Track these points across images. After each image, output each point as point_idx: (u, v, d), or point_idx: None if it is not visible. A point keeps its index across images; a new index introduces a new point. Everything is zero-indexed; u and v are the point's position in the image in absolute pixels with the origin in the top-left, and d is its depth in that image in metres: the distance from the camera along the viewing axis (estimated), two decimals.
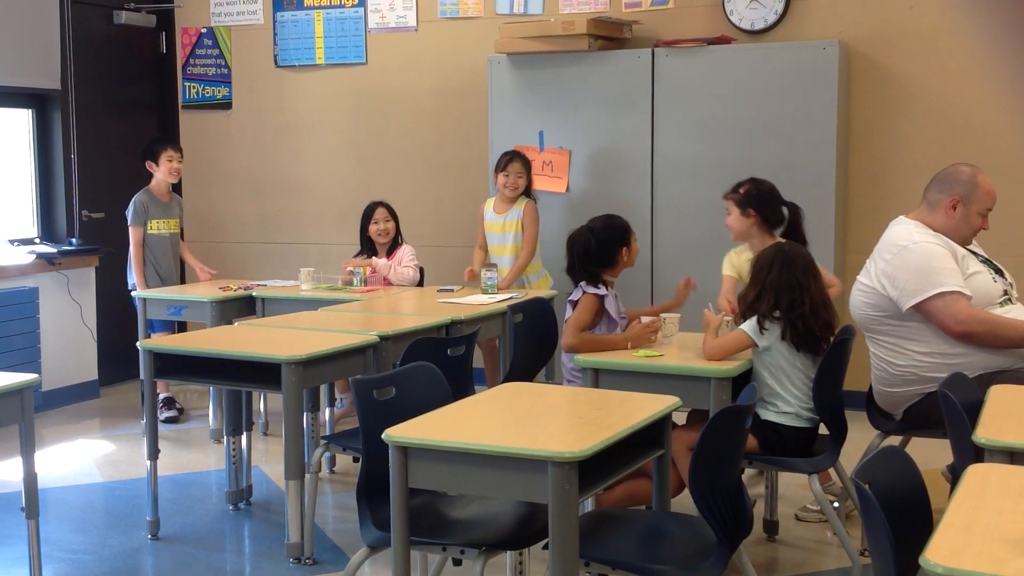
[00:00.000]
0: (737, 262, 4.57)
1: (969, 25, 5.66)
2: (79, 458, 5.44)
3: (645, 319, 4.02)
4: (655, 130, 5.98)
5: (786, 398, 3.68)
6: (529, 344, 4.39)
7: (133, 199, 6.01)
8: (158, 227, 6.04)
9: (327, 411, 5.25)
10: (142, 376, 4.22)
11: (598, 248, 4.11)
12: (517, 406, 3.16)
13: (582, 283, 4.10)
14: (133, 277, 6.00)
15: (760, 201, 4.39)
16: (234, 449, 4.58)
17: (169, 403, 6.11)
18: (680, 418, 3.89)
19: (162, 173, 6.04)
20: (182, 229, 6.29)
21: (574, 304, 4.07)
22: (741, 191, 4.44)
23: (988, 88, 5.64)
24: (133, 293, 5.84)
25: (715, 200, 5.85)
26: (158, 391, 6.06)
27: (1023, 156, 5.58)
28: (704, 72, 5.86)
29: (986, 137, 5.61)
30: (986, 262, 3.98)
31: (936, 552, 1.83)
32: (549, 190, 6.14)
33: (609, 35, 6.11)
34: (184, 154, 6.23)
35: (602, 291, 4.06)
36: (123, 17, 7.18)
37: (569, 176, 6.18)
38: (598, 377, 3.74)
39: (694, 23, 6.12)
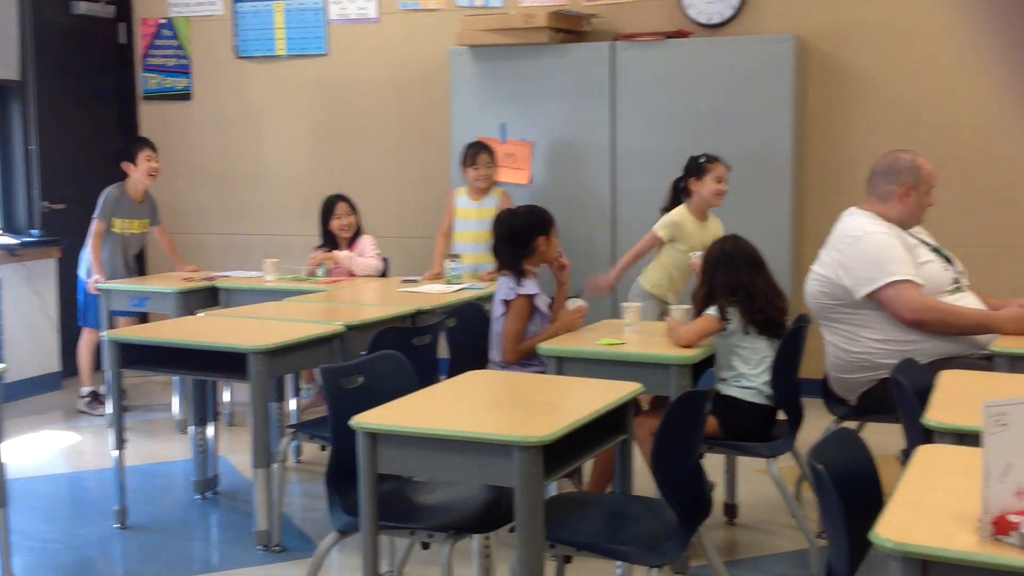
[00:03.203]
0: (687, 229, 4.88)
1: (920, 19, 5.79)
2: (45, 449, 5.44)
3: (570, 305, 4.15)
4: (615, 122, 6.06)
5: (748, 375, 3.79)
6: (465, 348, 4.34)
7: (105, 192, 5.98)
8: (121, 226, 6.03)
9: (293, 401, 5.28)
10: (106, 367, 4.24)
11: (519, 232, 4.18)
12: (483, 392, 3.23)
13: (511, 283, 4.16)
14: (84, 268, 5.99)
15: None
16: (200, 439, 4.61)
17: (96, 397, 6.09)
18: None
19: (140, 173, 6.01)
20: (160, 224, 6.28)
21: (506, 304, 4.14)
22: None
23: (939, 81, 5.77)
24: (97, 285, 5.81)
25: None
26: (87, 384, 6.09)
27: (973, 148, 5.72)
28: (663, 65, 5.95)
29: (937, 130, 5.74)
30: (936, 251, 4.10)
31: (886, 528, 1.92)
32: (511, 182, 6.20)
33: (569, 28, 6.18)
34: None
35: (531, 290, 4.12)
36: (81, 7, 7.15)
37: (531, 168, 6.25)
38: (562, 365, 3.82)
39: (652, 16, 6.20)
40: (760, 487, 4.46)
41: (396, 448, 2.74)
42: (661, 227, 4.90)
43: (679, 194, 4.97)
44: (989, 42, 5.67)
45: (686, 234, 4.85)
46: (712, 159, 4.88)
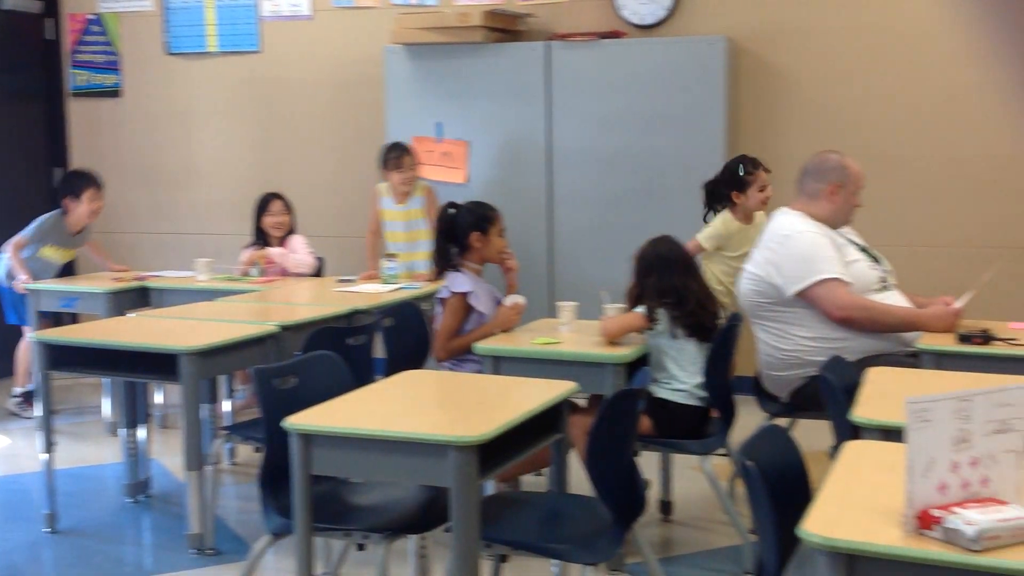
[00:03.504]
0: (733, 234, 4.92)
1: (849, 22, 5.89)
2: None
3: (508, 301, 4.13)
4: (551, 122, 6.08)
5: (679, 377, 3.83)
6: (402, 348, 4.32)
7: (42, 219, 5.88)
8: (49, 253, 5.92)
9: (228, 403, 5.23)
10: (34, 368, 4.16)
11: (454, 228, 4.17)
12: (418, 392, 3.22)
13: (447, 279, 4.16)
14: (3, 271, 5.86)
15: None
16: (131, 442, 4.54)
17: (28, 399, 5.97)
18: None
19: (82, 212, 5.90)
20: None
21: (443, 302, 4.14)
22: None
23: (867, 83, 5.87)
24: (25, 285, 5.68)
25: (611, 191, 6.02)
26: (20, 385, 5.96)
27: (899, 149, 5.83)
28: (597, 65, 5.99)
29: (865, 131, 5.84)
30: (864, 250, 4.17)
31: (814, 523, 1.96)
32: (448, 181, 6.19)
33: (504, 27, 6.19)
34: (73, 142, 6.10)
35: (465, 287, 4.10)
36: (8, 2, 7.00)
37: (468, 167, 6.25)
38: (499, 364, 3.83)
39: (587, 17, 6.24)
40: (695, 484, 4.50)
41: (330, 449, 2.73)
42: (706, 239, 4.92)
43: (713, 198, 4.99)
44: (916, 43, 5.79)
45: (732, 243, 4.89)
46: (750, 169, 4.89)
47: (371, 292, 5.02)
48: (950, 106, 5.73)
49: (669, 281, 3.81)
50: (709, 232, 4.93)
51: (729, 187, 4.92)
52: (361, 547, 3.06)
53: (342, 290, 5.15)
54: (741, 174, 4.87)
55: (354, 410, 2.91)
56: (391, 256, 5.49)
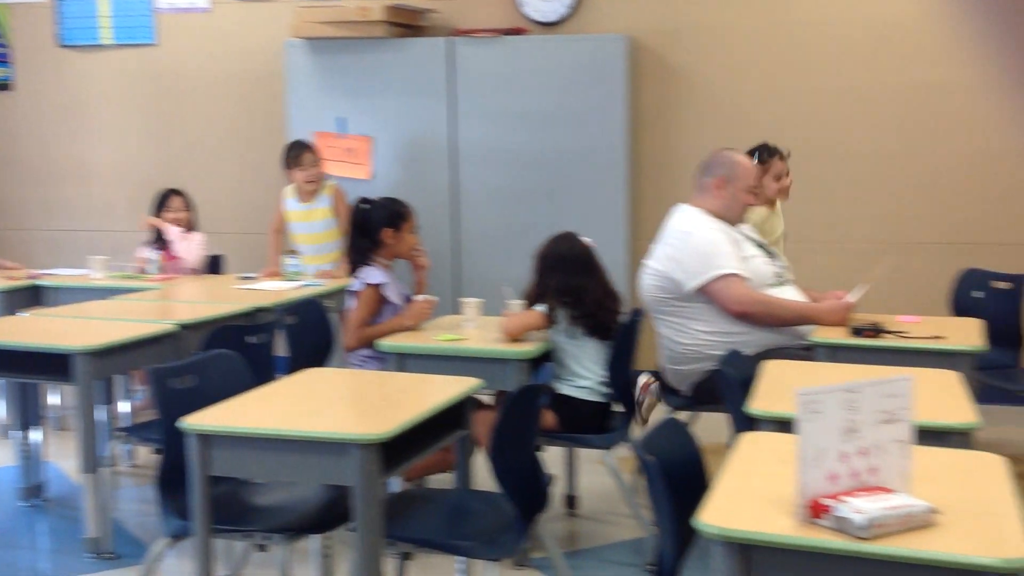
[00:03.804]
0: (767, 223, 4.78)
1: (747, 20, 6.00)
2: None
3: (420, 299, 4.14)
4: (455, 118, 6.08)
5: (582, 374, 3.86)
6: (305, 346, 4.28)
7: None
8: None
9: (126, 403, 5.11)
10: None
11: (365, 223, 4.15)
12: (320, 391, 3.19)
13: (360, 273, 4.14)
14: None
15: None
16: (25, 444, 4.41)
17: None
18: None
19: None
20: None
21: (356, 295, 4.12)
22: None
23: (766, 81, 5.99)
24: None
25: (515, 188, 6.04)
26: None
27: (793, 147, 5.96)
28: (500, 62, 6.00)
29: (762, 129, 5.93)
30: (760, 246, 4.27)
31: (709, 514, 2.00)
32: (351, 177, 6.15)
33: (406, 22, 6.17)
34: None
35: (379, 279, 4.09)
36: None
37: (372, 163, 6.21)
38: (403, 361, 3.82)
39: (489, 13, 6.24)
40: (600, 478, 4.55)
41: (229, 450, 2.69)
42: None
43: None
44: (811, 41, 5.92)
45: (767, 228, 4.75)
46: (765, 157, 4.76)
47: (273, 289, 4.96)
48: (843, 104, 5.88)
49: (567, 280, 3.84)
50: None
51: None
52: (262, 548, 3.02)
53: (243, 287, 5.08)
54: (756, 161, 4.69)
55: (254, 409, 2.87)
56: (293, 252, 5.43)
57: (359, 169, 6.21)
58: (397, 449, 2.74)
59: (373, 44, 6.09)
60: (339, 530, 2.99)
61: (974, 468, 2.32)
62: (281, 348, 4.12)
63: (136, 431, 4.05)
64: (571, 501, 4.33)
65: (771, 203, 4.85)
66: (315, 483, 3.05)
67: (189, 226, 5.79)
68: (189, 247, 5.68)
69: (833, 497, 1.96)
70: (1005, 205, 5.67)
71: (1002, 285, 4.91)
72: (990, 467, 2.31)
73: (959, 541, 1.87)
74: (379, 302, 4.10)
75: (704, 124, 6.05)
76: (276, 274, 5.45)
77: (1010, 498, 2.10)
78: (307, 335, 4.29)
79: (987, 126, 5.70)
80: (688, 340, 4.11)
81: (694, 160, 4.39)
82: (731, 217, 4.19)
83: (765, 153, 4.81)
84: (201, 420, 2.71)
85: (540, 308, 3.84)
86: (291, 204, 5.78)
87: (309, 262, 5.55)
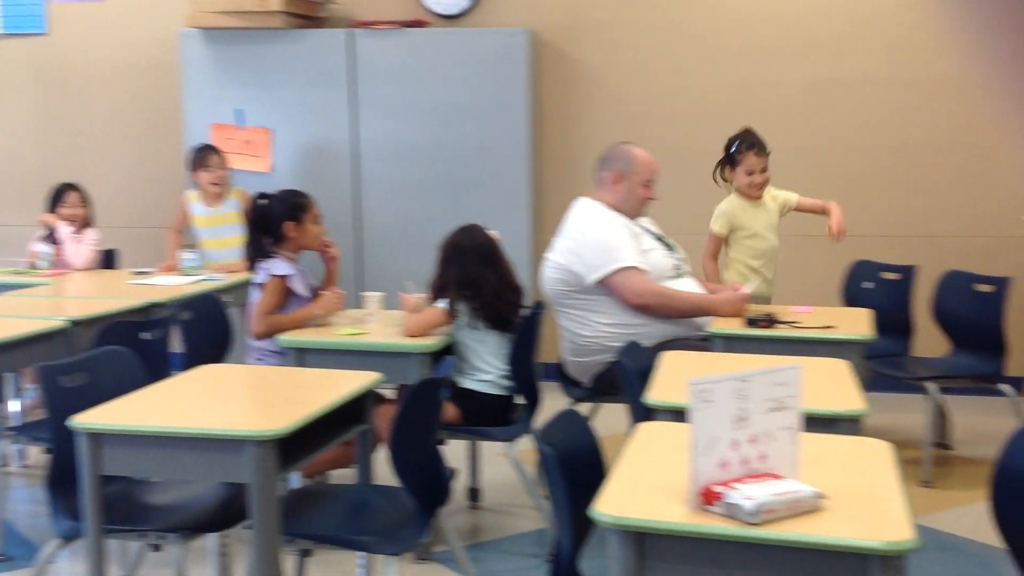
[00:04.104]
0: (740, 216, 4.64)
1: (648, 16, 6.06)
2: None
3: (326, 292, 4.09)
4: (356, 110, 6.03)
5: (484, 368, 3.87)
6: (201, 342, 4.20)
7: None
8: None
9: (17, 402, 4.96)
10: None
11: (265, 218, 4.09)
12: (216, 387, 3.14)
13: (264, 264, 4.09)
14: None
15: None
16: None
17: None
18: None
19: None
20: None
21: (261, 287, 4.06)
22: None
23: (665, 76, 6.07)
24: None
25: (417, 181, 6.02)
26: None
27: (692, 141, 6.05)
28: (401, 54, 5.97)
29: (662, 123, 6.04)
30: (659, 239, 4.32)
31: (605, 504, 2.02)
32: (250, 170, 6.06)
33: (305, 13, 6.10)
34: None
35: (285, 271, 4.04)
36: None
37: (271, 156, 6.13)
38: (304, 356, 3.77)
39: (390, 5, 6.21)
40: (503, 470, 4.55)
41: (121, 448, 2.64)
42: (714, 222, 4.65)
43: (719, 170, 4.73)
44: (709, 38, 6.02)
45: (742, 220, 4.62)
46: (742, 148, 4.60)
47: (169, 284, 4.86)
48: (742, 100, 5.98)
49: (466, 270, 3.84)
50: (715, 215, 4.67)
51: (724, 161, 4.67)
52: (157, 548, 2.96)
53: (138, 283, 4.97)
54: (731, 152, 4.62)
55: (147, 407, 2.81)
56: (190, 247, 5.33)
57: (258, 162, 6.12)
58: (295, 445, 2.71)
59: (271, 35, 6.01)
60: (236, 528, 2.95)
61: (861, 454, 2.38)
62: (177, 344, 4.04)
63: (26, 430, 3.93)
64: (474, 494, 4.33)
65: (750, 196, 4.64)
66: (210, 481, 3.00)
67: (85, 222, 5.64)
68: (79, 250, 5.52)
69: (724, 484, 2.00)
70: (892, 199, 5.84)
71: (891, 276, 5.06)
72: (876, 453, 2.38)
73: (844, 525, 1.93)
74: (285, 293, 4.04)
75: (606, 119, 6.11)
76: (172, 269, 5.33)
77: (894, 483, 2.17)
78: (204, 331, 4.21)
79: (878, 122, 5.87)
80: (589, 332, 4.15)
81: (596, 154, 4.43)
82: (629, 211, 4.23)
83: (743, 145, 4.62)
84: (91, 418, 2.65)
85: (441, 304, 3.83)
86: (197, 209, 5.64)
87: (215, 266, 5.44)
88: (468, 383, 3.87)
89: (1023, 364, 5.57)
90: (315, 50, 6.02)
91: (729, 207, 4.65)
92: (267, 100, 6.09)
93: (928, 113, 5.81)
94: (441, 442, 3.73)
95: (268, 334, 3.95)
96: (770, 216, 4.67)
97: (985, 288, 4.71)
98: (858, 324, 3.92)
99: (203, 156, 5.59)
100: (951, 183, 5.84)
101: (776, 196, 4.74)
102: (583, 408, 4.06)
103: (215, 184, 5.57)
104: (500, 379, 3.88)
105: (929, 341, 5.06)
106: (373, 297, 4.13)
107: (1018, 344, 5.28)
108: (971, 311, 4.74)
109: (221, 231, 5.61)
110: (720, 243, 4.67)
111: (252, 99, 6.10)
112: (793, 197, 4.76)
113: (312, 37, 6.04)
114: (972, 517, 3.98)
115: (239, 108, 6.11)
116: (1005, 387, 4.52)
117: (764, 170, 4.60)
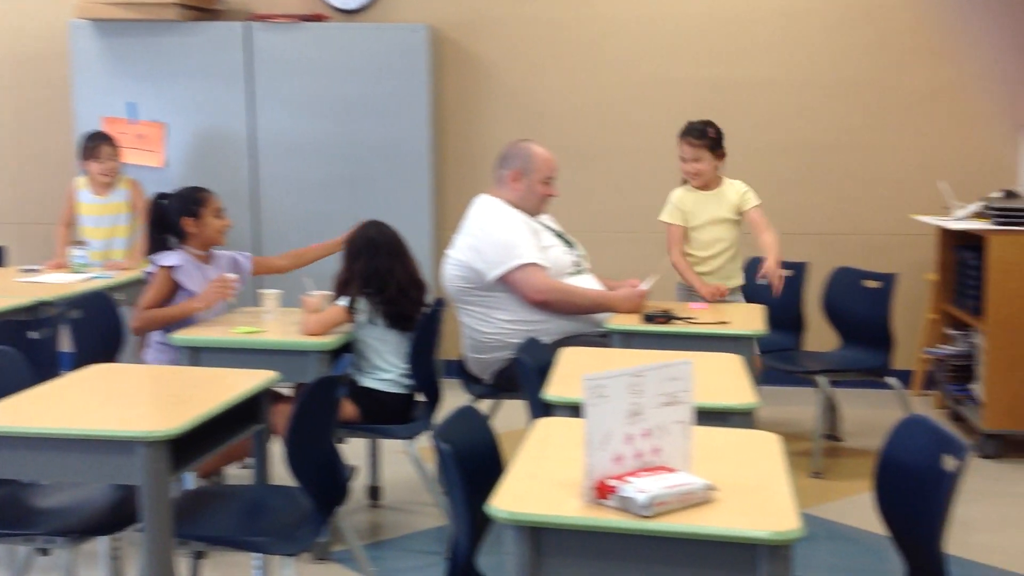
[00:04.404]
0: (688, 205, 4.55)
1: (546, 13, 6.10)
2: None
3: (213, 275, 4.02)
4: (254, 105, 5.94)
5: (384, 367, 3.85)
6: (91, 341, 4.10)
7: None
8: None
9: None
10: None
11: (163, 216, 4.02)
12: (106, 387, 3.06)
13: (155, 256, 4.00)
14: None
15: (722, 143, 4.55)
16: None
17: None
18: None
19: None
20: None
21: (150, 276, 3.98)
22: (711, 134, 4.48)
23: (564, 75, 6.11)
24: None
25: (317, 177, 5.96)
26: None
27: (591, 140, 6.12)
28: (300, 49, 5.90)
29: (562, 122, 6.09)
30: (559, 235, 4.36)
31: (502, 500, 2.03)
32: (143, 164, 5.92)
33: (200, 5, 5.98)
34: None
35: (172, 261, 3.95)
36: None
37: (165, 150, 6.00)
38: (197, 355, 3.70)
39: None
40: (404, 468, 4.54)
41: (8, 450, 2.56)
42: (664, 213, 4.58)
43: None
44: (607, 36, 6.08)
45: (687, 210, 4.54)
46: (679, 136, 4.53)
47: (57, 282, 4.73)
48: (640, 98, 6.06)
49: (376, 265, 3.81)
50: (667, 207, 4.60)
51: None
52: (45, 552, 2.88)
53: (25, 280, 4.82)
54: (678, 136, 4.55)
55: (34, 407, 2.73)
56: (81, 243, 5.18)
57: (151, 156, 5.99)
58: (188, 446, 2.66)
59: (165, 27, 5.88)
60: (128, 531, 2.88)
61: (751, 447, 2.44)
62: (67, 344, 3.93)
63: None
64: (374, 492, 4.31)
65: (706, 184, 4.54)
66: (100, 483, 2.93)
67: None
68: None
69: (619, 478, 2.02)
70: (785, 198, 5.98)
71: (785, 273, 5.16)
72: (766, 445, 2.43)
73: (733, 516, 1.97)
74: (171, 286, 3.94)
75: (507, 116, 6.12)
76: (62, 266, 5.18)
77: (782, 475, 2.22)
78: (94, 329, 4.11)
79: (770, 123, 5.99)
80: (490, 329, 4.16)
81: (497, 151, 4.44)
82: (529, 208, 4.25)
83: (683, 132, 4.56)
84: None
85: (341, 303, 3.80)
86: (84, 196, 5.49)
87: (99, 258, 5.31)
88: (368, 382, 3.84)
89: (909, 358, 5.77)
90: (211, 43, 5.91)
91: (675, 196, 4.60)
92: (161, 94, 5.96)
93: (820, 114, 5.96)
94: (340, 441, 3.71)
95: (145, 329, 3.87)
96: (721, 209, 4.51)
97: (873, 284, 4.86)
98: (752, 320, 4.00)
99: (95, 146, 5.44)
100: (842, 182, 6.00)
101: (740, 192, 4.56)
102: (484, 405, 4.10)
103: (105, 175, 5.44)
104: (401, 377, 3.86)
105: (820, 336, 5.20)
106: (270, 295, 4.08)
107: (904, 338, 5.46)
108: (860, 307, 4.89)
109: (108, 220, 5.47)
110: (675, 233, 4.56)
111: (145, 92, 5.97)
112: (750, 203, 4.54)
113: (208, 30, 5.93)
114: (861, 506, 4.09)
115: (131, 101, 5.97)
116: (892, 380, 4.67)
117: (696, 160, 4.49)
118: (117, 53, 5.94)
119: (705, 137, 4.50)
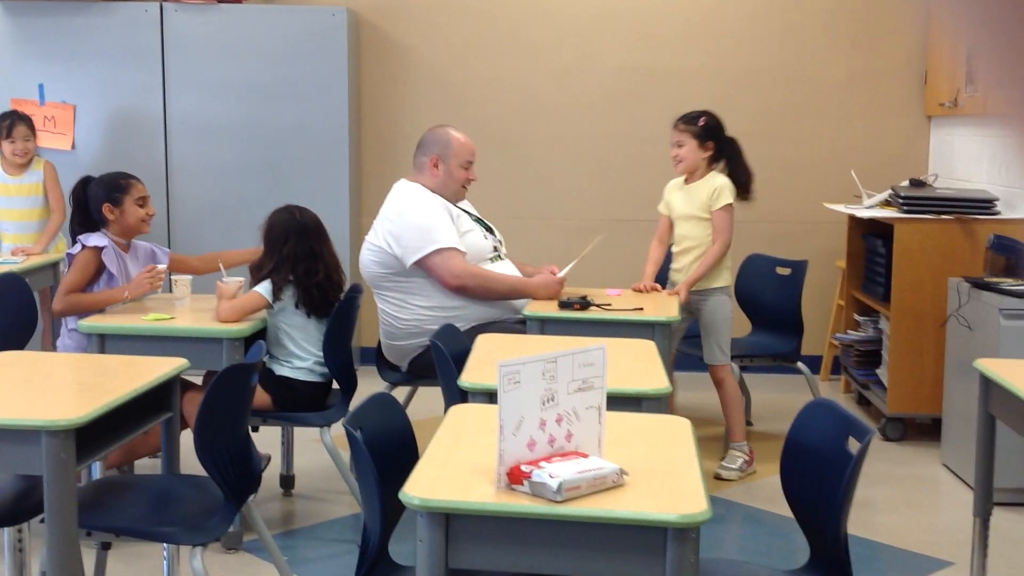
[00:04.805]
0: (670, 196, 4.50)
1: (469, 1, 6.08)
2: None
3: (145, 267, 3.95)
4: (167, 88, 5.82)
5: (300, 355, 3.80)
6: (2, 324, 3.97)
7: None
8: None
9: None
10: None
11: (83, 203, 3.95)
12: (10, 374, 2.98)
13: (81, 237, 3.91)
14: None
15: (718, 134, 4.41)
16: None
17: None
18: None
19: None
20: None
21: (72, 258, 3.89)
22: (700, 123, 4.38)
23: (485, 61, 6.10)
24: None
25: (232, 162, 5.86)
26: None
27: (512, 127, 6.12)
28: (216, 31, 5.80)
29: (482, 108, 6.08)
30: (478, 221, 4.35)
31: (414, 486, 2.02)
32: (52, 147, 5.77)
33: None
34: None
35: (101, 243, 3.87)
36: None
37: (74, 133, 5.85)
38: (104, 343, 3.62)
39: None
40: (318, 456, 4.50)
41: None
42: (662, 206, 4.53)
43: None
44: (526, 24, 6.08)
45: (673, 203, 4.49)
46: (672, 125, 4.44)
47: None
48: (559, 87, 6.08)
49: (305, 244, 3.76)
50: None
51: None
52: None
53: None
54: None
55: None
56: None
57: (60, 139, 5.84)
58: (95, 435, 2.60)
59: (77, 7, 5.73)
60: (32, 522, 2.81)
61: (663, 431, 2.46)
62: None
63: None
64: (287, 481, 4.27)
65: (692, 176, 4.45)
66: (3, 473, 2.85)
67: None
68: None
69: (532, 463, 2.03)
70: None
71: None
72: (677, 430, 2.46)
73: (643, 500, 1.99)
74: (96, 268, 3.86)
75: (426, 102, 6.09)
76: None
77: (693, 459, 2.25)
78: (3, 315, 3.98)
79: (688, 110, 6.04)
80: (407, 315, 4.14)
81: (415, 138, 4.41)
82: (448, 194, 4.23)
83: (681, 118, 4.47)
84: None
85: (260, 289, 3.74)
86: None
87: (11, 240, 5.17)
88: (283, 370, 3.80)
89: (818, 343, 5.89)
90: (124, 24, 5.77)
91: (667, 186, 4.56)
92: (71, 75, 5.81)
93: (734, 102, 6.02)
94: (254, 429, 3.66)
95: (68, 313, 3.77)
96: (691, 204, 4.40)
97: (784, 271, 4.95)
98: (666, 306, 4.04)
99: (10, 126, 5.29)
100: (755, 170, 6.06)
101: (712, 189, 4.39)
102: (400, 392, 4.08)
103: (16, 155, 5.30)
104: (315, 366, 3.82)
105: (733, 322, 5.26)
106: (182, 280, 4.00)
107: (814, 325, 5.57)
108: (771, 293, 4.98)
109: (21, 202, 5.33)
110: (660, 222, 4.55)
111: (55, 74, 5.81)
112: (719, 202, 4.36)
113: (121, 10, 5.79)
114: (770, 489, 4.17)
115: (40, 83, 5.81)
116: (801, 365, 4.76)
117: (679, 144, 4.40)
118: (26, 33, 5.78)
119: (693, 124, 4.40)
